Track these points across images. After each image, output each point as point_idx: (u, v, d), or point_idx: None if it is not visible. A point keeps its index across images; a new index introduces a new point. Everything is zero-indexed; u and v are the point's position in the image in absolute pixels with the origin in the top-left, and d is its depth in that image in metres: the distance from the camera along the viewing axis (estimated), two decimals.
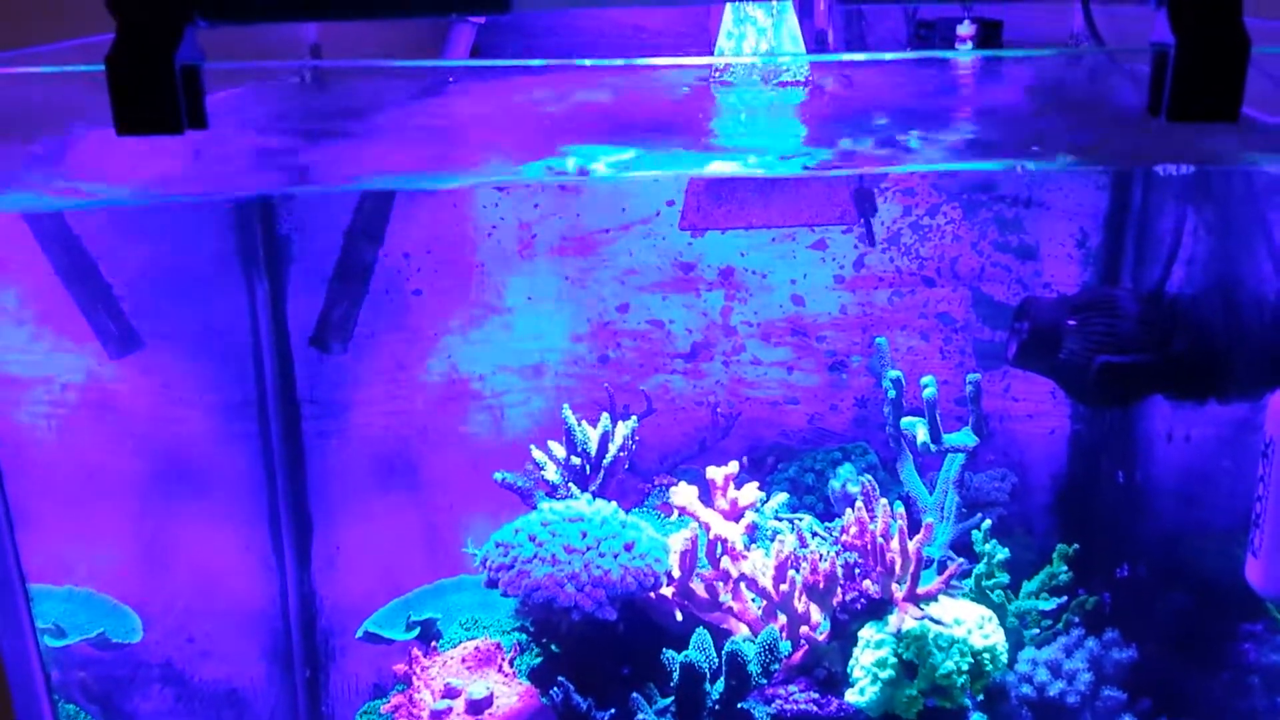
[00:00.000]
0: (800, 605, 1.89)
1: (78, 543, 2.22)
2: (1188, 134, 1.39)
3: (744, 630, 1.94)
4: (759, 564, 1.93)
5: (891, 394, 2.16)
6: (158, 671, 2.31)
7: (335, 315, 2.17)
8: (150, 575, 2.27)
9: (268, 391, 2.25)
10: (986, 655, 1.84)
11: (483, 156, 1.78)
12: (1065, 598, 2.01)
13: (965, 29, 1.86)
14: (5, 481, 1.43)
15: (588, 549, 1.84)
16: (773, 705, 1.81)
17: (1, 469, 1.42)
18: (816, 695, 1.82)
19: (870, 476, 2.02)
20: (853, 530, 1.86)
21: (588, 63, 1.37)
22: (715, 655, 1.82)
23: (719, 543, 1.95)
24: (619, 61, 1.35)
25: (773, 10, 1.80)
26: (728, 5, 1.78)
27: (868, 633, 1.84)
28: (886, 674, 1.80)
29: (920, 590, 1.85)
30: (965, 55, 1.79)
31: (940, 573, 1.91)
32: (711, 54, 1.85)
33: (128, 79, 1.03)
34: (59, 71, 1.32)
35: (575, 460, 2.15)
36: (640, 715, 1.76)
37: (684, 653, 1.80)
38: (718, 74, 1.74)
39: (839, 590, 1.87)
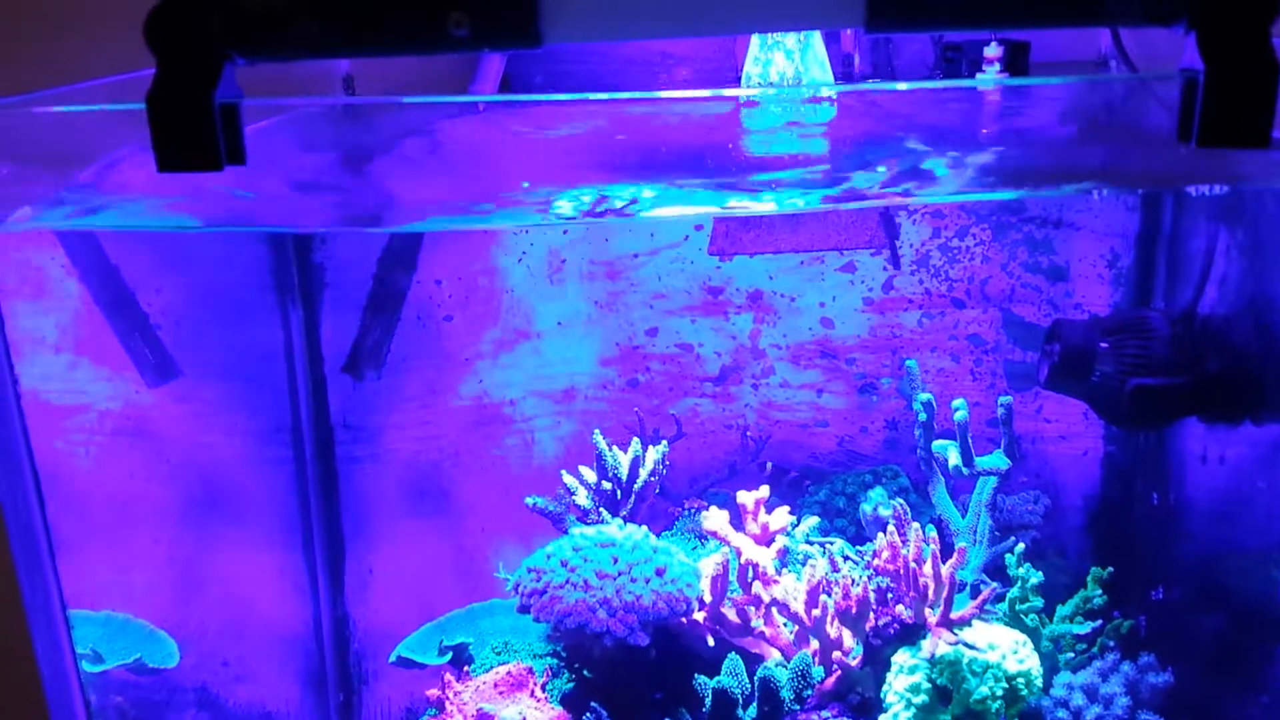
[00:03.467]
0: (833, 630, 1.89)
1: (115, 568, 2.25)
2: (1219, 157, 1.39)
3: (776, 655, 1.93)
4: (790, 588, 1.93)
5: (922, 416, 2.16)
6: (193, 696, 2.33)
7: (368, 342, 2.20)
8: (186, 600, 2.30)
9: (302, 417, 2.27)
10: (1021, 680, 1.83)
11: (515, 193, 1.79)
12: (1100, 621, 2.00)
13: (993, 50, 1.87)
14: (46, 508, 1.45)
15: (619, 574, 1.84)
16: None
17: (42, 496, 1.45)
18: None
19: (902, 500, 2.02)
20: (885, 555, 1.85)
21: (616, 96, 1.39)
22: (747, 681, 1.82)
23: (750, 567, 1.95)
24: (645, 95, 1.37)
25: (800, 35, 1.82)
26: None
27: (901, 658, 1.84)
28: (920, 699, 1.79)
29: (954, 615, 1.84)
30: (991, 83, 1.78)
31: (973, 597, 1.90)
32: (739, 77, 1.86)
33: (167, 118, 1.05)
34: (99, 110, 1.35)
35: (606, 485, 2.15)
36: None
37: (716, 678, 1.80)
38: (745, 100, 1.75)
39: (871, 615, 1.87)
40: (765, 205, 1.84)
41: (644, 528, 2.00)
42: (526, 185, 1.76)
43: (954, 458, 2.10)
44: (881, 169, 1.69)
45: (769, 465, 2.38)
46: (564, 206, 1.79)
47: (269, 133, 1.59)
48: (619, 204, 1.74)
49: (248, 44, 1.05)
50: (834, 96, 1.73)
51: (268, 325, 2.22)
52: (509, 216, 1.93)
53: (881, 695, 1.84)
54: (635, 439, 2.20)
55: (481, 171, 1.76)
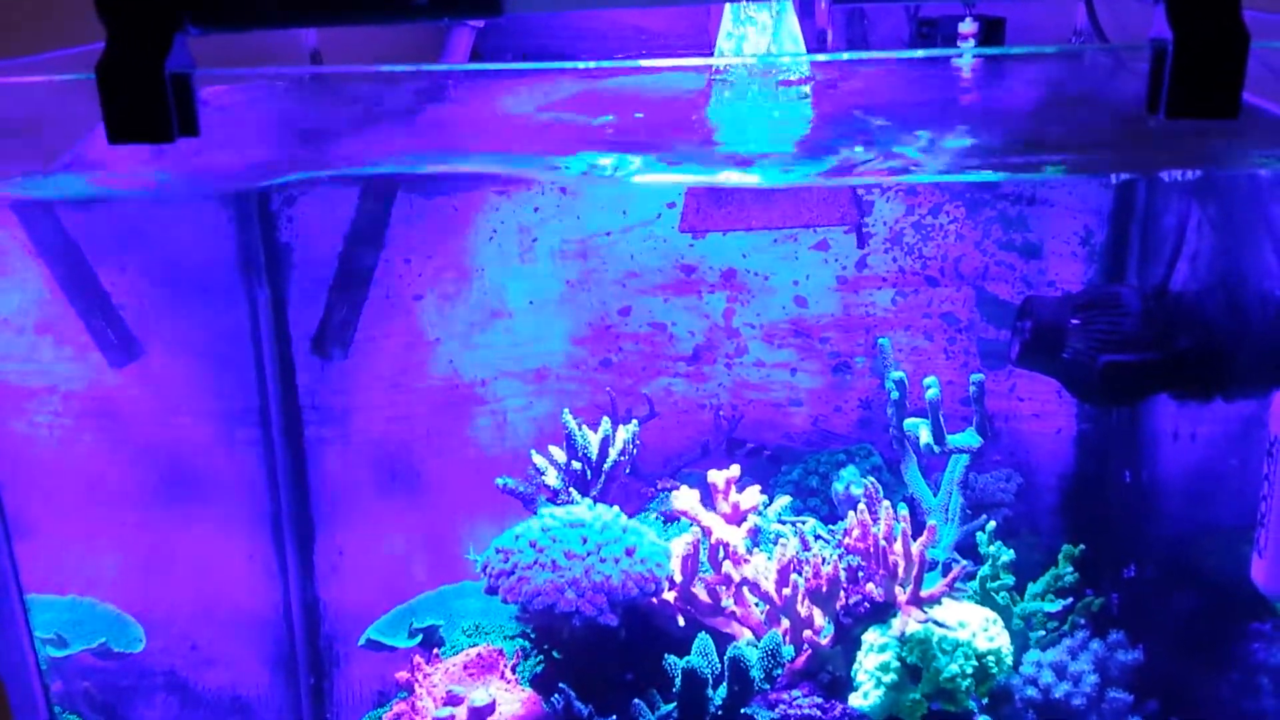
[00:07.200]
0: (803, 609, 1.88)
1: (80, 552, 2.22)
2: (1193, 134, 1.38)
3: (746, 635, 1.92)
4: (761, 568, 1.92)
5: (894, 395, 2.15)
6: (161, 680, 2.31)
7: (335, 321, 2.17)
8: (153, 584, 2.27)
9: (269, 398, 2.24)
10: (991, 658, 1.83)
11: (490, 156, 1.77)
12: (1071, 599, 2.00)
13: (967, 26, 1.85)
14: (4, 492, 1.42)
15: (588, 554, 1.82)
16: (776, 710, 1.80)
17: None
18: (820, 700, 1.81)
19: (874, 478, 2.01)
20: (855, 533, 1.85)
21: (588, 65, 1.37)
22: (717, 660, 1.81)
23: (721, 547, 1.94)
24: (617, 63, 1.35)
25: (773, 10, 1.79)
26: (727, 5, 1.77)
27: (871, 636, 1.83)
28: (890, 678, 1.78)
29: (924, 593, 1.83)
30: (966, 54, 1.77)
31: (945, 575, 1.90)
32: (712, 54, 1.84)
33: (118, 87, 1.02)
34: (52, 80, 1.32)
35: (576, 465, 2.13)
36: None
37: (686, 658, 1.79)
38: (718, 73, 1.73)
39: (842, 594, 1.86)
40: (742, 178, 1.83)
41: (615, 508, 1.98)
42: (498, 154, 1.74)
43: (925, 436, 2.09)
44: (859, 148, 1.68)
45: (748, 445, 2.37)
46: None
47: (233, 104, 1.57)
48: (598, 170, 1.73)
49: (200, 13, 1.02)
50: (808, 74, 1.72)
51: (234, 304, 2.19)
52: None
53: (852, 674, 1.84)
54: (605, 418, 2.18)
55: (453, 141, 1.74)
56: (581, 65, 1.38)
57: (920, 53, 1.74)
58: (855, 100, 1.74)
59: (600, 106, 1.64)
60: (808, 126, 1.72)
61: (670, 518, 2.15)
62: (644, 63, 1.40)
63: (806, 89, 1.72)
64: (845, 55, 1.86)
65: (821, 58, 1.83)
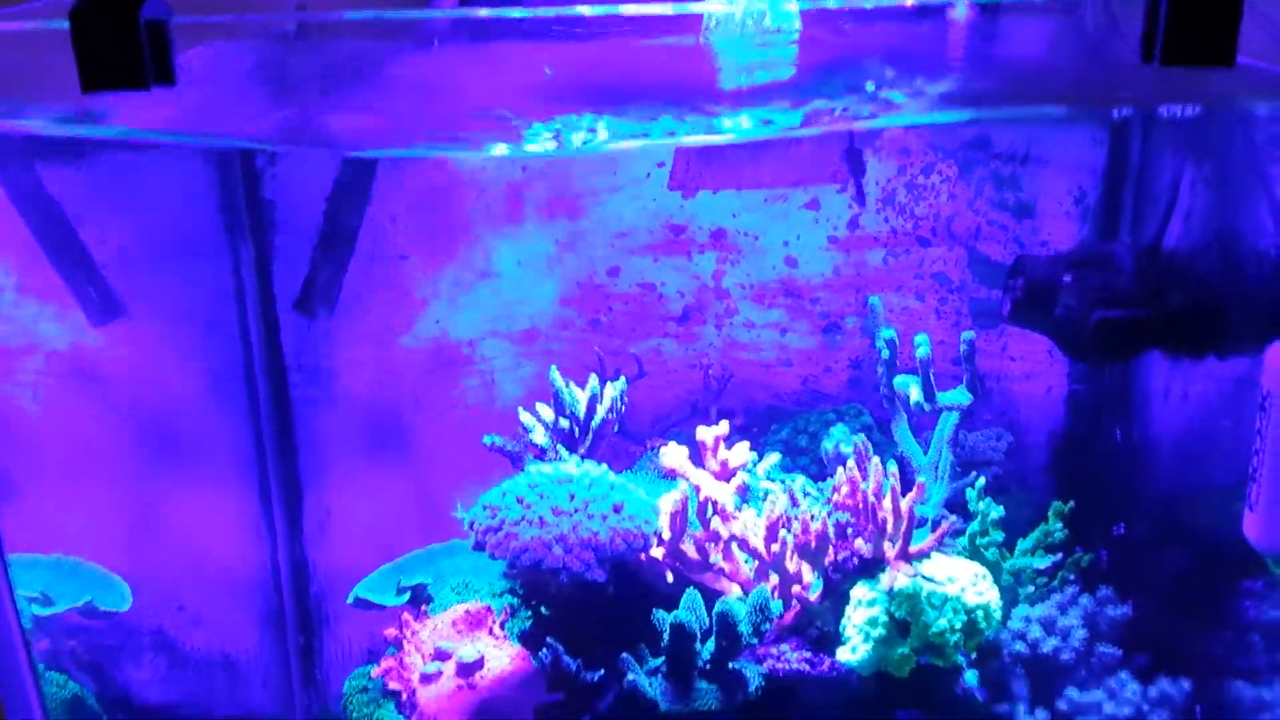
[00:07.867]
0: (792, 565, 1.88)
1: (65, 511, 2.21)
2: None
3: (735, 590, 1.92)
4: (750, 524, 1.92)
5: (885, 354, 2.14)
6: (149, 639, 2.31)
7: (320, 280, 2.15)
8: (139, 543, 2.26)
9: (254, 357, 2.23)
10: (980, 613, 1.83)
11: (476, 124, 1.75)
12: (1060, 555, 2.00)
13: None
14: None
15: (575, 511, 1.82)
16: (764, 664, 1.80)
17: None
18: (808, 654, 1.81)
19: (863, 436, 2.01)
20: (844, 490, 1.84)
21: (575, 11, 1.34)
22: (706, 615, 1.81)
23: (709, 503, 1.93)
24: (605, 10, 1.32)
25: None
26: None
27: (860, 591, 1.83)
28: (879, 632, 1.78)
29: (912, 548, 1.83)
30: (960, 3, 1.75)
31: (934, 532, 1.89)
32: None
33: (92, 34, 1.01)
34: (29, 29, 1.30)
35: (564, 423, 2.12)
36: (630, 675, 1.74)
37: (674, 613, 1.78)
38: (708, 24, 1.71)
39: (831, 549, 1.86)
40: (729, 132, 1.81)
41: (603, 465, 1.98)
42: (490, 112, 1.72)
43: (916, 393, 2.09)
44: (851, 96, 1.66)
45: (713, 411, 2.36)
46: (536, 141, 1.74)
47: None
48: (581, 135, 1.70)
49: None
50: (798, 23, 1.69)
51: (218, 262, 2.16)
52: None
53: (840, 628, 1.84)
54: (593, 376, 2.17)
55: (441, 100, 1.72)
56: (567, 12, 1.36)
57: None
58: (847, 49, 1.72)
59: (585, 56, 1.61)
60: (800, 75, 1.70)
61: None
62: (631, 9, 1.37)
63: (797, 37, 1.70)
64: (836, 2, 1.83)
65: (813, 5, 1.81)
